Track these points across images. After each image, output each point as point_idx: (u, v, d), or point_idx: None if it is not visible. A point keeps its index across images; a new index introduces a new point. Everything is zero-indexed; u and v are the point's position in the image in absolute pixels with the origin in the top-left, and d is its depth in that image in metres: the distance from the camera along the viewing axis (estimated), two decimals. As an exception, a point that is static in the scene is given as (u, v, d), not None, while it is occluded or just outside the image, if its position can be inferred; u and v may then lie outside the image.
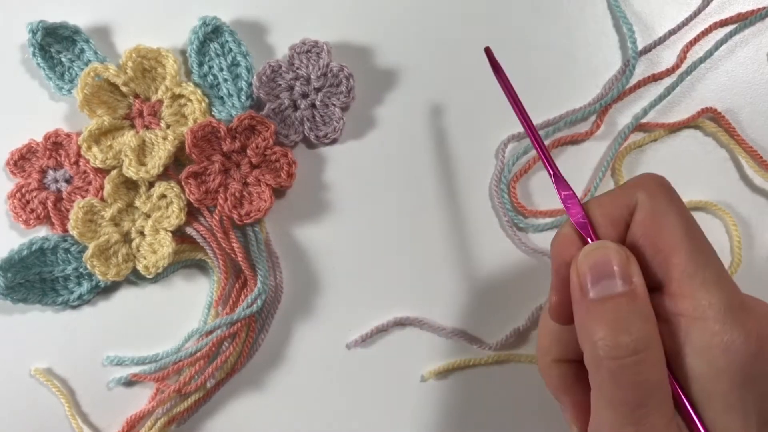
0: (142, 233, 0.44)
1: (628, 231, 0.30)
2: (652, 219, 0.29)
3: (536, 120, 0.46)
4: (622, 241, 0.30)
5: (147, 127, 0.44)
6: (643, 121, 0.46)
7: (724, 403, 0.27)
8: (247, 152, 0.44)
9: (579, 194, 0.46)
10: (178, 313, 0.45)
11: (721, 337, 0.27)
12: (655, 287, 0.29)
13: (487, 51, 0.37)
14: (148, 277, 0.43)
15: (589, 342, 0.28)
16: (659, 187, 0.30)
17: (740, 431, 0.27)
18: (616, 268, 0.29)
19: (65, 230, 0.44)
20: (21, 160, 0.45)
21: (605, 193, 0.32)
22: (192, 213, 0.44)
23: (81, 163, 0.44)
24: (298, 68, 0.45)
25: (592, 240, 0.30)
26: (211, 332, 0.43)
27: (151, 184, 0.44)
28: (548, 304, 0.32)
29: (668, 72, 0.47)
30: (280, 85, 0.45)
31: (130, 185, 0.44)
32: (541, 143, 0.35)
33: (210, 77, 0.45)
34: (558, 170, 0.34)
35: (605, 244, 0.30)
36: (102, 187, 0.44)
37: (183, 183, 0.43)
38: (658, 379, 0.27)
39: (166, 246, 0.43)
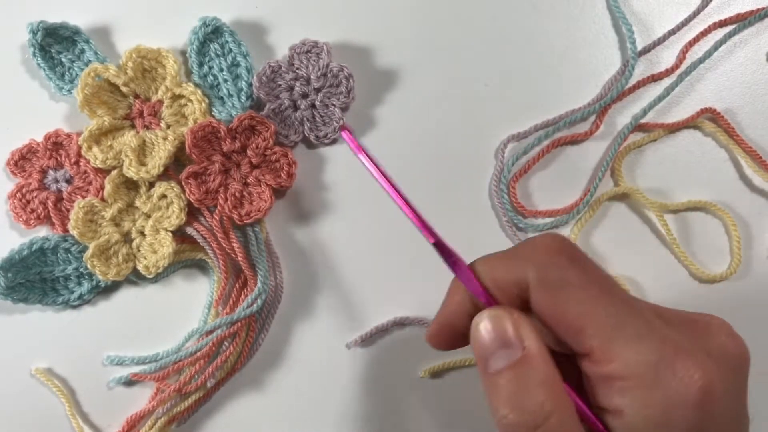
0: (142, 233, 0.44)
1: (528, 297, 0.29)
2: (549, 298, 0.28)
3: (536, 120, 0.46)
4: (515, 303, 0.29)
5: (147, 128, 0.44)
6: (643, 121, 0.46)
7: None
8: (247, 152, 0.44)
9: (579, 195, 0.46)
10: (178, 313, 0.45)
11: (657, 394, 0.26)
12: (581, 353, 0.28)
13: (344, 131, 0.37)
14: (148, 277, 0.44)
15: (495, 417, 0.28)
16: (550, 256, 0.29)
17: None
18: (507, 336, 0.28)
19: (66, 230, 0.44)
20: (21, 160, 0.45)
21: (496, 256, 0.31)
22: (192, 213, 0.44)
23: (81, 163, 0.44)
24: (298, 68, 0.45)
25: (483, 300, 0.30)
26: (211, 332, 0.43)
27: (151, 184, 0.44)
28: (428, 329, 0.33)
29: (667, 72, 0.47)
30: (280, 85, 0.45)
31: (130, 185, 0.44)
32: (418, 214, 0.34)
33: (210, 77, 0.45)
34: (439, 238, 0.33)
35: (493, 313, 0.29)
36: (102, 187, 0.44)
37: (183, 183, 0.43)
38: None
39: (166, 246, 0.43)
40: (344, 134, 0.38)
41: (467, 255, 0.45)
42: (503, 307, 0.29)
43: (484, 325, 0.29)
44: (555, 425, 0.26)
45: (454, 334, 0.31)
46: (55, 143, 0.44)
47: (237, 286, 0.45)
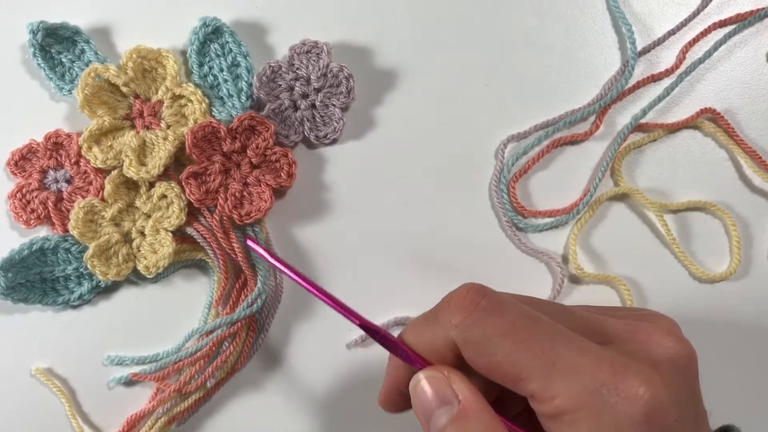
0: (142, 233, 0.44)
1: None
2: (477, 356, 0.29)
3: (536, 120, 0.46)
4: (452, 362, 0.30)
5: (147, 128, 0.44)
6: (643, 121, 0.46)
7: None
8: (247, 152, 0.44)
9: (579, 195, 0.46)
10: (178, 313, 0.45)
11: (605, 419, 0.26)
12: (526, 396, 0.28)
13: (249, 245, 0.39)
14: (148, 277, 0.44)
15: None
16: (467, 314, 0.29)
17: None
18: (443, 394, 0.29)
19: (66, 230, 0.44)
20: (21, 161, 0.45)
21: (419, 323, 0.31)
22: (192, 213, 0.44)
23: (81, 164, 0.44)
24: (298, 69, 0.45)
25: (418, 367, 0.31)
26: (211, 332, 0.43)
27: (151, 185, 0.44)
28: (378, 397, 0.34)
29: (667, 72, 0.47)
30: (280, 85, 0.45)
31: (130, 185, 0.44)
32: (339, 302, 0.35)
33: (210, 78, 0.45)
34: (364, 319, 0.34)
35: (427, 374, 0.30)
36: (102, 188, 0.44)
37: (183, 183, 0.43)
38: None
39: (166, 246, 0.43)
40: (250, 242, 0.39)
41: (467, 255, 0.46)
42: (435, 367, 0.30)
43: (420, 388, 0.30)
44: None
45: (402, 397, 0.32)
46: (56, 143, 0.44)
47: (237, 286, 0.45)
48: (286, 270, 0.35)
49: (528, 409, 0.30)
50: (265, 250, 0.37)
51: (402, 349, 0.31)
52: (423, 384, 0.30)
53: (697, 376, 0.29)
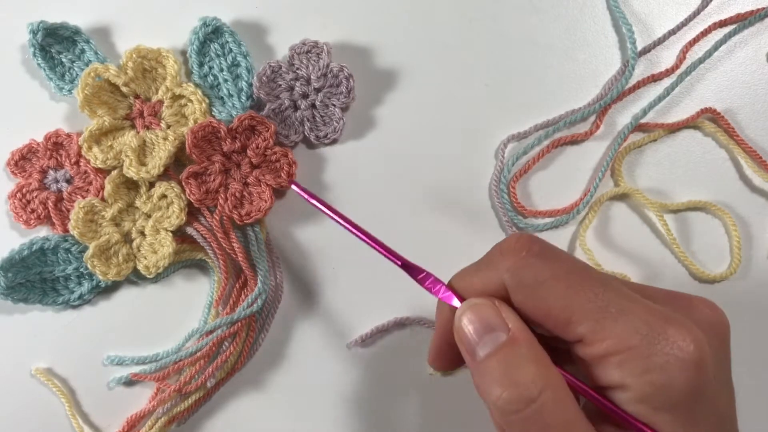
0: (142, 233, 0.44)
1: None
2: (529, 299, 0.29)
3: (536, 120, 0.46)
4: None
5: (147, 128, 0.44)
6: (643, 121, 0.46)
7: (672, 416, 0.27)
8: (247, 152, 0.44)
9: (579, 195, 0.46)
10: (178, 313, 0.45)
11: (655, 359, 0.26)
12: (573, 341, 0.29)
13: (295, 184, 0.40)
14: (148, 277, 0.44)
15: (489, 403, 0.28)
16: (519, 258, 0.29)
17: None
18: (490, 321, 0.29)
19: (66, 230, 0.44)
20: (22, 161, 0.45)
21: (470, 270, 0.32)
22: (192, 213, 0.44)
23: (81, 164, 0.44)
24: (298, 69, 0.45)
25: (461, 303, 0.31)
26: (211, 332, 0.43)
27: (151, 185, 0.44)
28: (429, 355, 0.34)
29: (667, 72, 0.47)
30: (280, 85, 0.45)
31: (130, 185, 0.44)
32: (379, 242, 0.35)
33: (210, 78, 0.45)
34: (405, 259, 0.34)
35: (472, 302, 0.30)
36: (102, 188, 0.44)
37: (183, 183, 0.43)
38: (566, 419, 0.27)
39: (166, 246, 0.43)
40: (295, 187, 0.40)
41: (467, 255, 0.45)
42: (482, 297, 0.30)
43: (466, 316, 0.30)
44: (549, 398, 0.27)
45: (453, 351, 0.32)
46: (56, 143, 0.44)
47: (237, 286, 0.45)
48: (328, 212, 0.37)
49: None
50: (307, 192, 0.38)
51: (447, 291, 0.31)
52: (469, 313, 0.30)
53: (729, 346, 0.30)
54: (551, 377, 0.28)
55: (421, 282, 0.33)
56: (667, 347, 0.26)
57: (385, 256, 0.34)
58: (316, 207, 0.38)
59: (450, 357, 0.33)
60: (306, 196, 0.39)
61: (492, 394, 0.28)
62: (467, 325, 0.29)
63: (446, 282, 0.32)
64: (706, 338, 0.27)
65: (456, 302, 0.31)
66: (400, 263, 0.34)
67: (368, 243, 0.35)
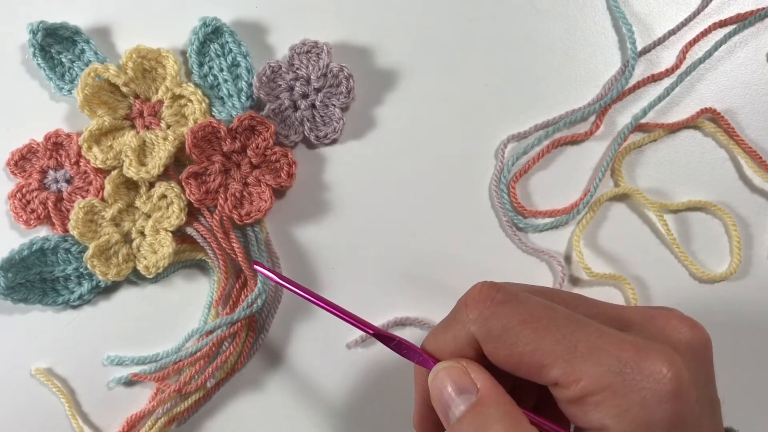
0: (142, 233, 0.44)
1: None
2: (499, 349, 0.29)
3: (536, 120, 0.46)
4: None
5: (147, 128, 0.44)
6: (643, 121, 0.46)
7: None
8: (247, 152, 0.44)
9: (579, 195, 0.46)
10: (178, 313, 0.45)
11: (632, 397, 0.26)
12: (549, 385, 0.29)
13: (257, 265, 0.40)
14: (148, 277, 0.44)
15: None
16: (483, 309, 0.29)
17: None
18: (461, 383, 0.29)
19: (66, 230, 0.44)
20: (21, 161, 0.45)
21: (439, 328, 0.32)
22: (192, 213, 0.44)
23: (81, 164, 0.44)
24: (298, 69, 0.45)
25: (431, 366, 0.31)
26: (211, 332, 0.43)
27: (151, 185, 0.44)
28: (413, 421, 0.34)
29: (668, 72, 0.47)
30: (280, 85, 0.45)
31: (130, 185, 0.44)
32: (351, 314, 0.35)
33: (210, 78, 0.45)
34: (377, 328, 0.34)
35: (441, 366, 0.30)
36: (102, 188, 0.44)
37: (183, 183, 0.43)
38: None
39: (166, 246, 0.43)
40: (257, 266, 0.40)
41: (467, 255, 0.46)
42: (452, 359, 0.30)
43: (438, 380, 0.30)
44: None
45: (435, 415, 0.32)
46: (55, 143, 0.44)
47: (237, 286, 0.45)
48: (296, 289, 0.36)
49: (538, 406, 0.30)
50: (272, 272, 0.38)
51: (420, 355, 0.32)
52: (441, 374, 0.30)
53: (712, 362, 0.29)
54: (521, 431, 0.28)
55: (395, 349, 0.33)
56: (642, 381, 0.26)
57: (357, 327, 0.35)
58: (288, 288, 0.37)
59: (433, 419, 0.33)
60: (273, 276, 0.38)
61: None
62: (439, 389, 0.30)
63: (419, 345, 0.33)
64: (684, 361, 0.27)
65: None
66: (372, 332, 0.34)
67: (339, 316, 0.35)
